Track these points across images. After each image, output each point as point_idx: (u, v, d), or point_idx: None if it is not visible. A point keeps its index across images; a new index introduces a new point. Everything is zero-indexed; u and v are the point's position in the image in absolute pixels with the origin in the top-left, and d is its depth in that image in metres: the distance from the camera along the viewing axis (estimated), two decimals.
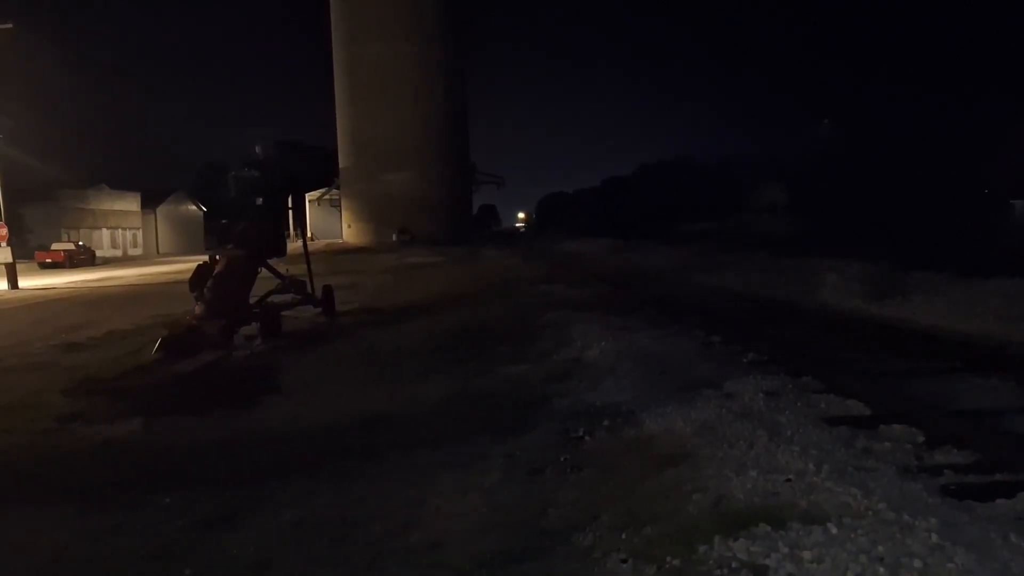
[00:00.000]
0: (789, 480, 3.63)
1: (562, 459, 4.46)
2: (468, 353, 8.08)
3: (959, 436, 4.24)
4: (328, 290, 12.11)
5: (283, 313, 10.70)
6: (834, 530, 3.06)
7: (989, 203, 35.61)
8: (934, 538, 2.89)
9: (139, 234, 56.60)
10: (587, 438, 4.78)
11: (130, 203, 55.59)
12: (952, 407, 5.05)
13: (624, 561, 3.12)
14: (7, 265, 21.47)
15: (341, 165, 53.63)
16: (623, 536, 3.35)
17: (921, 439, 4.30)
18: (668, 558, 3.06)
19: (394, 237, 47.03)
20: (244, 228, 10.90)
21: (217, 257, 10.41)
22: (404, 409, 6.01)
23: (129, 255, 52.71)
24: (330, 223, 59.75)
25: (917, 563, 2.77)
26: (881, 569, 2.76)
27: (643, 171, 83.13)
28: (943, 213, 35.02)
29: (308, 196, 64.91)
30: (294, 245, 17.96)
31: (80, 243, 42.26)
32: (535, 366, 7.12)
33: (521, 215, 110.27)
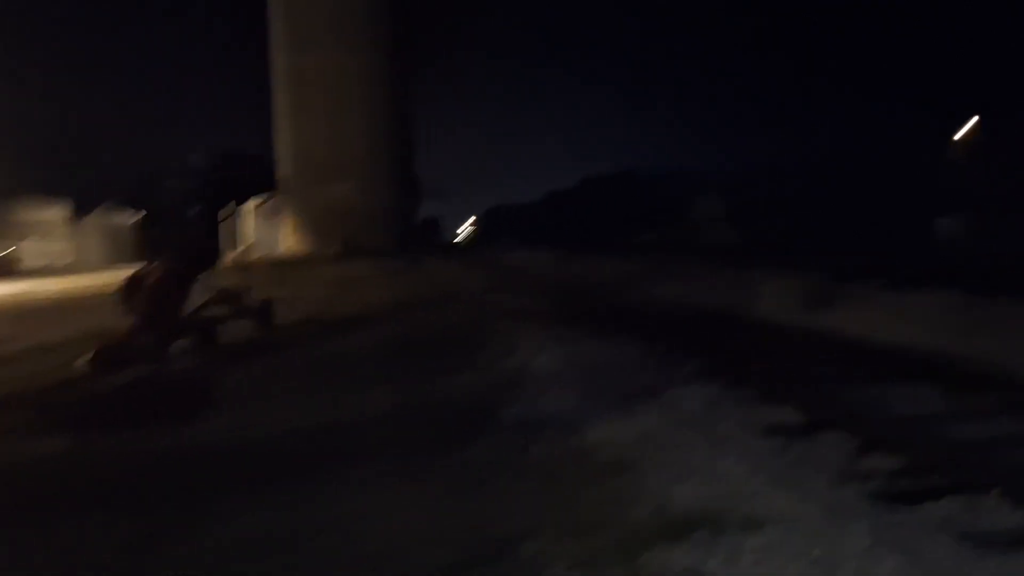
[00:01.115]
0: (728, 487, 3.70)
1: (506, 469, 4.46)
2: (413, 364, 8.01)
3: (889, 442, 4.37)
4: (266, 302, 11.88)
5: (219, 326, 10.46)
6: (771, 535, 3.12)
7: (918, 218, 37.12)
8: (866, 541, 2.98)
9: (68, 244, 54.65)
10: (532, 448, 4.78)
11: (58, 212, 53.66)
12: (883, 414, 5.21)
13: (569, 571, 3.13)
14: None
15: (281, 175, 52.74)
16: (567, 546, 3.36)
17: (853, 445, 4.42)
18: (611, 567, 3.08)
19: (336, 248, 46.45)
20: (178, 238, 10.64)
21: (150, 268, 10.12)
22: (346, 421, 5.92)
23: (57, 266, 50.81)
24: (269, 234, 58.60)
25: (850, 565, 2.85)
26: (816, 572, 2.83)
27: (587, 183, 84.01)
28: (876, 227, 36.30)
29: (246, 206, 63.62)
30: (230, 256, 17.56)
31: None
32: (480, 376, 7.10)
33: (466, 226, 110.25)
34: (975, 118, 42.49)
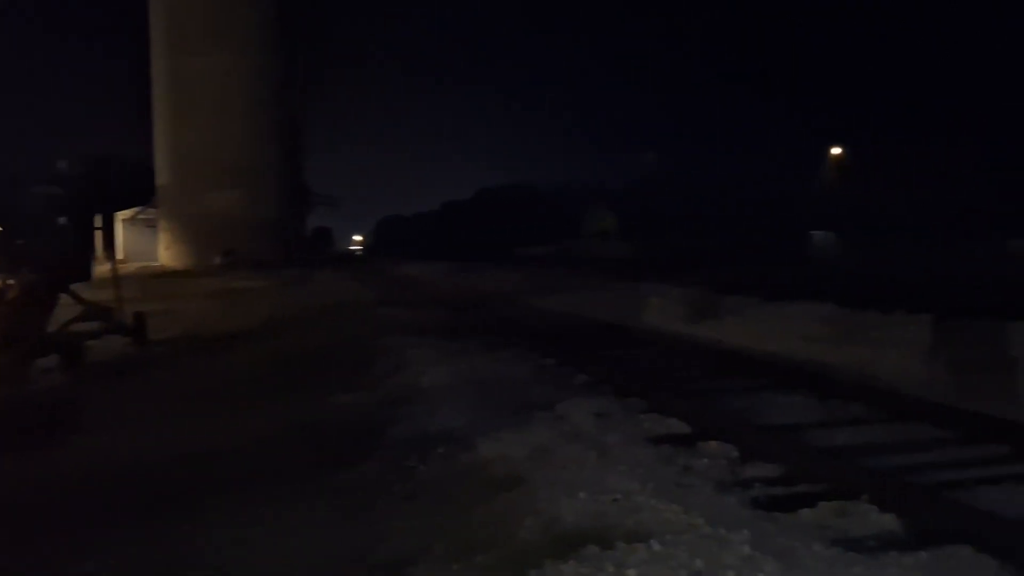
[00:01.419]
0: (616, 500, 3.73)
1: (395, 489, 4.35)
2: (298, 382, 7.76)
3: (768, 450, 4.54)
4: (140, 317, 11.23)
5: (88, 343, 9.82)
6: (657, 547, 3.16)
7: (793, 233, 39.45)
8: (746, 549, 3.06)
9: None
10: (421, 466, 4.69)
11: None
12: (761, 423, 5.41)
13: None
14: None
15: (159, 182, 50.25)
16: (455, 566, 3.29)
17: (735, 454, 4.56)
18: None
19: (218, 260, 44.60)
20: (43, 250, 9.94)
21: (11, 282, 9.39)
22: (226, 444, 5.64)
23: None
24: (145, 244, 55.58)
25: (732, 574, 2.92)
26: None
27: (482, 195, 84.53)
28: (755, 241, 38.23)
29: (120, 215, 60.25)
30: (102, 268, 16.52)
31: None
32: (369, 393, 6.95)
33: (358, 237, 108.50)
34: (839, 149, 45.62)
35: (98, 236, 55.65)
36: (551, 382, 6.90)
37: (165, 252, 49.39)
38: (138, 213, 58.17)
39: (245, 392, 7.46)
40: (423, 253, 54.88)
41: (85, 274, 10.35)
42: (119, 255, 48.30)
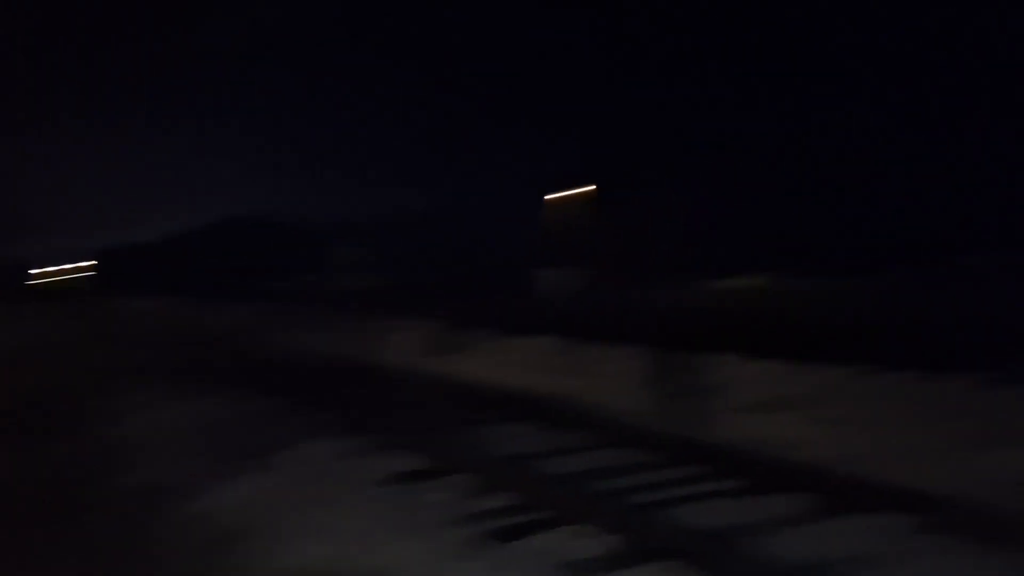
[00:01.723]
0: (356, 541, 3.67)
1: (112, 546, 3.93)
2: None
3: (503, 481, 4.71)
4: None
5: None
6: None
7: (524, 270, 41.88)
8: None
9: None
10: (144, 521, 4.29)
11: None
12: (498, 454, 5.61)
13: None
14: None
15: None
16: None
17: (473, 487, 4.69)
18: None
19: None
20: None
21: None
22: None
23: None
24: None
25: None
26: None
27: (219, 226, 79.87)
28: (496, 276, 39.92)
29: None
30: None
31: None
32: (82, 444, 6.25)
33: (73, 267, 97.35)
34: (591, 186, 49.26)
35: None
36: (287, 423, 6.64)
37: None
38: None
39: None
40: (151, 286, 50.47)
41: None
42: None
